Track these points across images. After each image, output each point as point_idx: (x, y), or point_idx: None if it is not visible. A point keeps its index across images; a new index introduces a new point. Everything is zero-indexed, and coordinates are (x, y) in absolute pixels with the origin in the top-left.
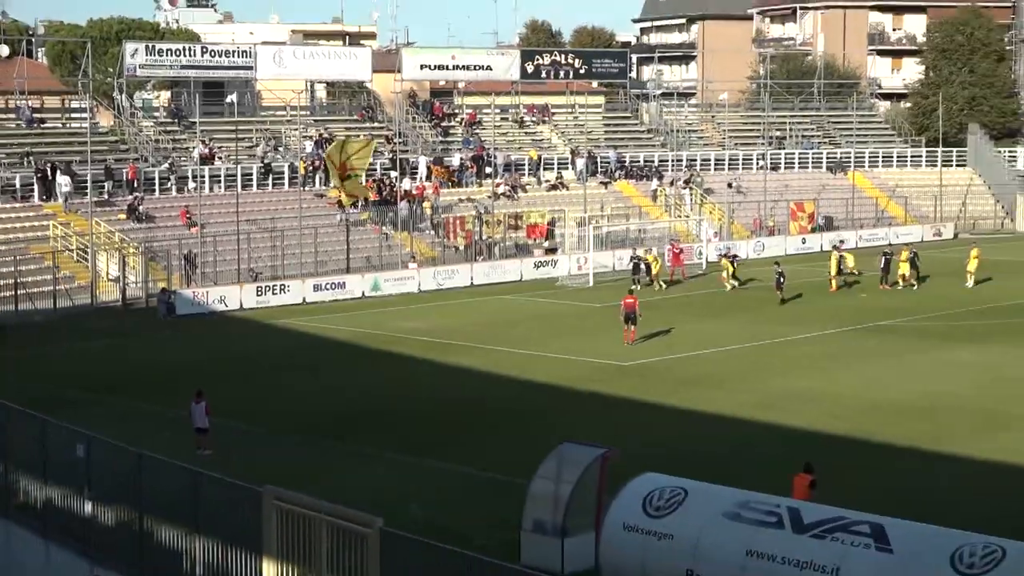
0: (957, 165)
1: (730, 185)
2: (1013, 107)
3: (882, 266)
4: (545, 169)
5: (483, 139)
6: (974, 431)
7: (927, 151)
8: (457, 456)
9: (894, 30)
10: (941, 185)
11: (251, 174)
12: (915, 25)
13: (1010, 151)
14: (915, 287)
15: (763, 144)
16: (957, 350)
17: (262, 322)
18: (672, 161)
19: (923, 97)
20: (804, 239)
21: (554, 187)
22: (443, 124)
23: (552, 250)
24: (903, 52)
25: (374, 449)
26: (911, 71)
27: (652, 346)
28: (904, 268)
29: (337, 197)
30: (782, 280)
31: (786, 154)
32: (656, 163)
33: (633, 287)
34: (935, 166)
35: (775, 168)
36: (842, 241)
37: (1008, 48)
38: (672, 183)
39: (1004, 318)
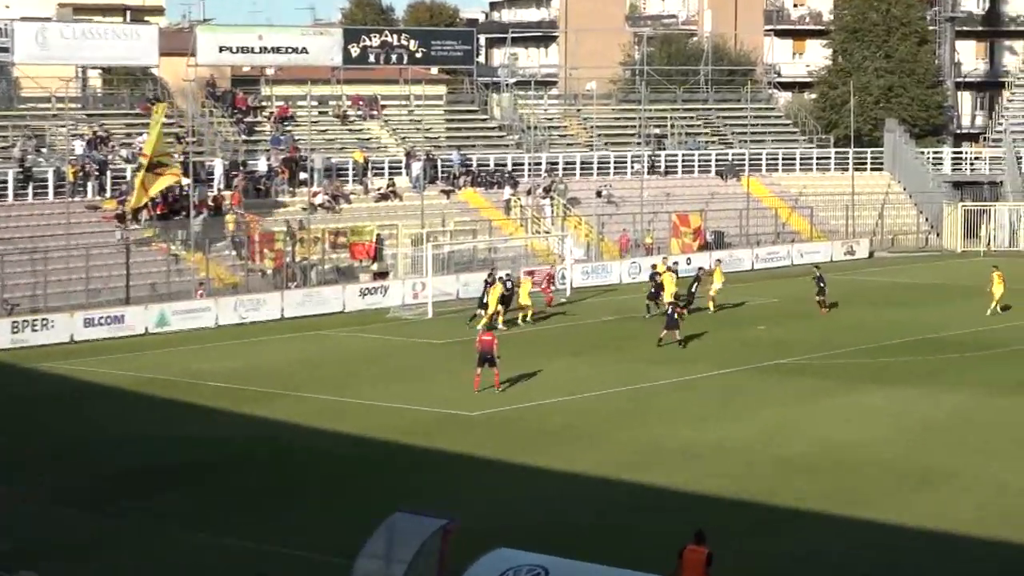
0: (872, 169)
1: (599, 194)
2: (937, 99)
3: (691, 289)
4: (374, 175)
5: (297, 138)
6: (895, 490)
7: (836, 152)
8: (263, 530)
9: (795, 6)
10: (854, 193)
11: (6, 181)
12: (820, 1)
13: (935, 152)
14: (711, 310)
15: (639, 144)
16: (872, 393)
17: (19, 366)
18: (529, 165)
19: (831, 87)
20: (689, 259)
21: (384, 197)
22: (247, 120)
23: (382, 274)
24: (806, 33)
25: (160, 522)
26: (816, 55)
27: (508, 393)
28: (716, 287)
29: (116, 210)
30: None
31: (667, 156)
32: (509, 167)
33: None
34: (846, 170)
35: (654, 173)
36: (666, 258)
37: (931, 28)
38: (529, 192)
39: (926, 354)
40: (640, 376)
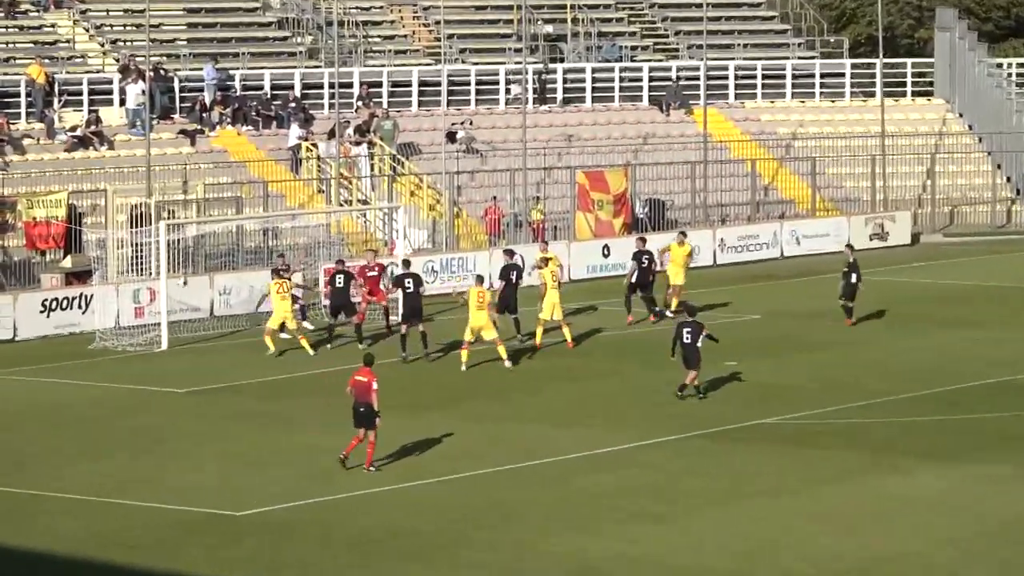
0: (916, 95)
1: (453, 137)
2: None
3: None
4: (65, 105)
5: None
6: None
7: (854, 66)
8: None
9: None
10: (884, 135)
11: None
12: None
13: (1020, 64)
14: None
15: (519, 52)
16: (917, 473)
17: None
18: (334, 87)
19: None
20: (607, 247)
21: (83, 142)
22: None
23: (81, 274)
24: None
25: None
26: None
27: (300, 482)
28: (678, 273)
29: None
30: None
31: (567, 73)
32: (298, 92)
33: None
34: (872, 97)
35: (546, 101)
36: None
37: None
38: (332, 134)
39: (1007, 408)
40: (529, 447)
